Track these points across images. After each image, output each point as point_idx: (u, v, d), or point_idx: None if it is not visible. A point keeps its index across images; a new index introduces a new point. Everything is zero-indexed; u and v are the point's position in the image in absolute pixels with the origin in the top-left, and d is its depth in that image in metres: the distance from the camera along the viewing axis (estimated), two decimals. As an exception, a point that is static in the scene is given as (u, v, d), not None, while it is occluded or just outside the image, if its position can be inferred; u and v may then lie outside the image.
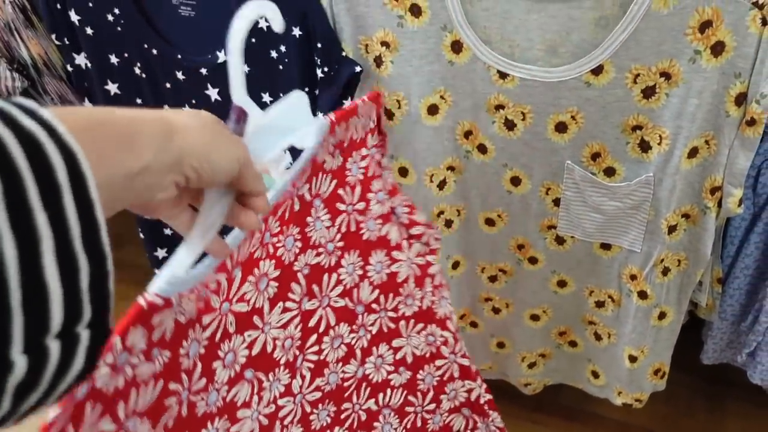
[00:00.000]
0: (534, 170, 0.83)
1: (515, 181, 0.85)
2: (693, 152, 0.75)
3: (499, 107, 0.79)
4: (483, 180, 0.86)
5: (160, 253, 1.18)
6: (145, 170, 0.33)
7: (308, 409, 0.62)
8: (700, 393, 1.27)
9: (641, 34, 0.69)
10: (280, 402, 0.58)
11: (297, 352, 0.58)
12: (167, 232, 1.16)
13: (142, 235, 1.16)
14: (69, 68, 1.00)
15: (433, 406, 0.76)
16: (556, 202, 0.85)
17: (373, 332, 0.67)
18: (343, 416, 0.67)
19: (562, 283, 0.95)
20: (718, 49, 0.68)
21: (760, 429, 1.20)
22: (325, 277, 0.59)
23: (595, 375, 1.03)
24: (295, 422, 0.61)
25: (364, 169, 0.61)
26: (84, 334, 0.28)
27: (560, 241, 0.89)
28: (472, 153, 0.85)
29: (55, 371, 0.27)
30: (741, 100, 0.70)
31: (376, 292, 0.65)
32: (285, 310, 0.55)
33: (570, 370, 1.06)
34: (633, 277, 0.88)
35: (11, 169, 0.24)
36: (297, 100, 0.49)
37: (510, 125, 0.80)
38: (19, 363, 0.25)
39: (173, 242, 1.12)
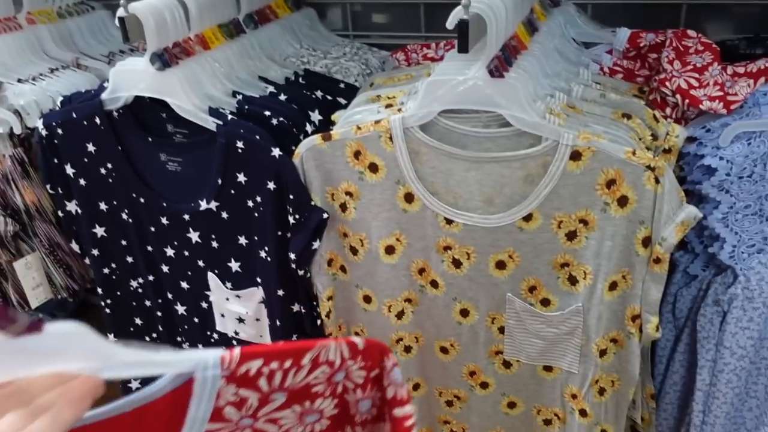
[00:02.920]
0: (480, 302, 0.94)
1: (464, 312, 0.96)
2: (613, 285, 0.88)
3: (447, 248, 0.91)
4: (436, 312, 0.97)
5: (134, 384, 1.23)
6: None
7: None
8: None
9: (560, 189, 0.84)
10: None
11: None
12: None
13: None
14: (60, 213, 1.10)
15: None
16: (501, 330, 0.96)
17: None
18: None
19: (512, 405, 1.03)
20: (623, 201, 0.82)
21: None
22: None
23: (550, 493, 1.09)
24: None
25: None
26: None
27: (507, 365, 0.99)
28: (425, 288, 0.96)
29: None
30: (647, 242, 0.84)
31: None
32: None
33: (526, 489, 1.11)
34: (574, 396, 0.97)
35: None
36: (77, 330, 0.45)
37: (457, 263, 0.92)
38: None
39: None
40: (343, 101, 1.06)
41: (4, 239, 1.13)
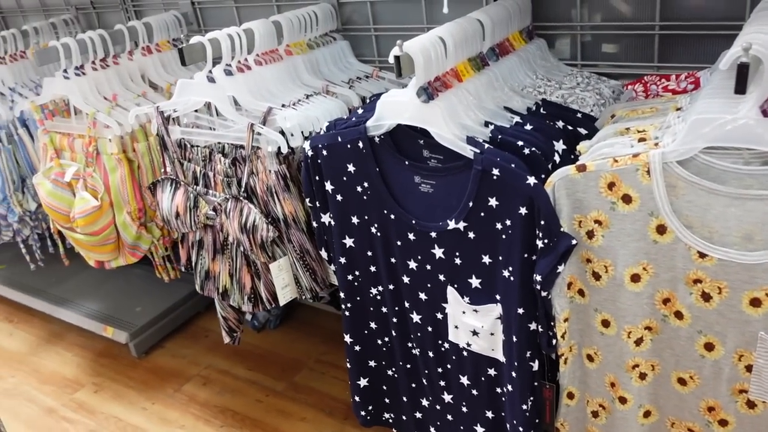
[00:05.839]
0: (727, 338, 0.94)
1: (708, 346, 0.96)
2: None
3: (697, 281, 0.92)
4: (677, 342, 0.97)
5: (362, 382, 1.35)
6: None
7: None
8: None
9: (834, 230, 0.81)
10: None
11: None
12: (371, 363, 1.34)
13: (348, 365, 1.34)
14: (314, 224, 1.25)
15: None
16: (749, 368, 0.94)
17: None
18: None
19: (751, 446, 1.00)
20: None
21: None
22: None
23: None
24: None
25: None
26: None
27: (751, 405, 0.97)
28: (668, 318, 0.97)
29: None
30: None
31: None
32: None
33: None
34: (827, 446, 0.93)
35: None
36: None
37: (706, 297, 0.92)
38: None
39: (376, 373, 1.30)
40: (583, 131, 1.10)
41: (265, 243, 1.30)
